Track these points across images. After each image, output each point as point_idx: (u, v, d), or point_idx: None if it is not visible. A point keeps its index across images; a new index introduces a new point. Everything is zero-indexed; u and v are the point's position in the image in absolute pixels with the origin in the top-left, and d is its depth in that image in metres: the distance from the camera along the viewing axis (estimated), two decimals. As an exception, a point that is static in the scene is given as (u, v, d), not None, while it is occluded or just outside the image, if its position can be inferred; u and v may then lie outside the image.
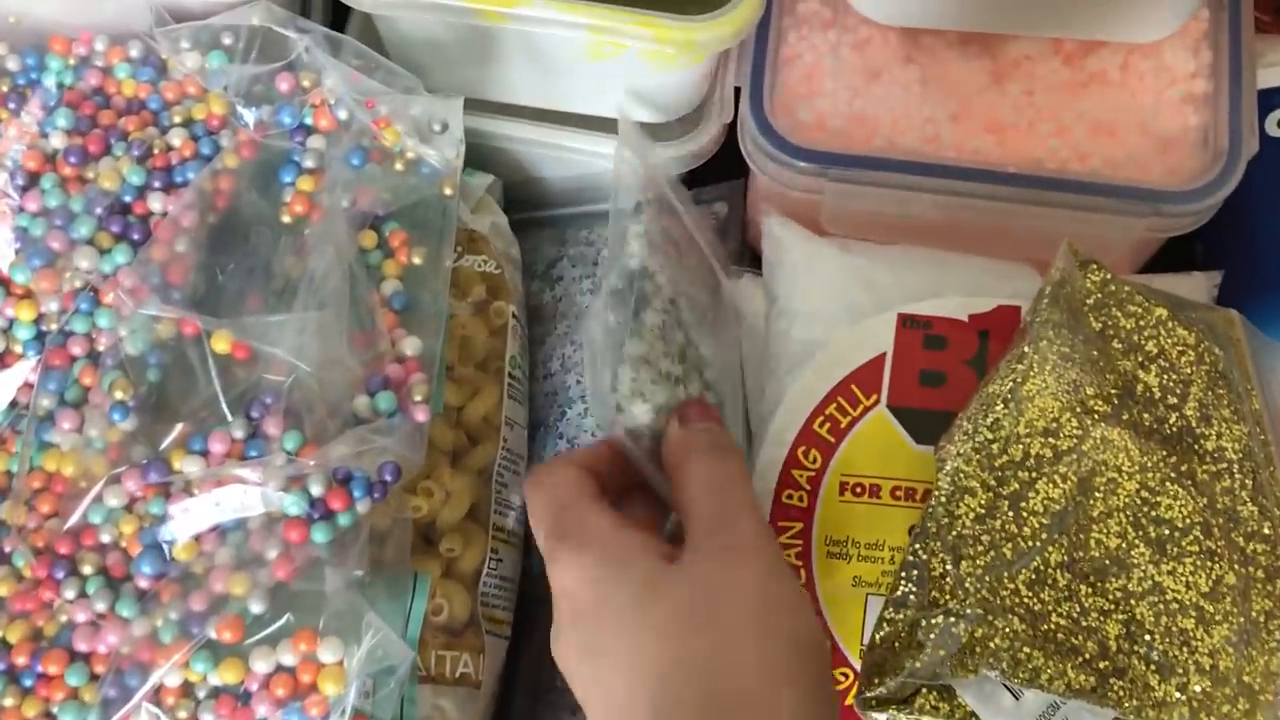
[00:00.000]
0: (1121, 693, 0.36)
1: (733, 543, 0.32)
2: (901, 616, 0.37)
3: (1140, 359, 0.41)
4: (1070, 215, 0.45)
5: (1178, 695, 0.36)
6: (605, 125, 0.50)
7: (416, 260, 0.43)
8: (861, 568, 0.41)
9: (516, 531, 0.48)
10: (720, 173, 0.54)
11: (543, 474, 0.35)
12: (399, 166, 0.43)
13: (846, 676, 0.40)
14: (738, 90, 0.48)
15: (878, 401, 0.43)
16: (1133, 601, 0.37)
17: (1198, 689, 0.36)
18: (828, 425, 0.43)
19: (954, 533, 0.37)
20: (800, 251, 0.46)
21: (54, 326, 0.42)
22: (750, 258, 0.54)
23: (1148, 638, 0.37)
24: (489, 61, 0.48)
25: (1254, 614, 0.38)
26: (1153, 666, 0.36)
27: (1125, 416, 0.40)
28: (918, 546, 0.38)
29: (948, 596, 0.36)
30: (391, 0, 0.44)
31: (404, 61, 0.47)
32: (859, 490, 0.42)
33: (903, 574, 0.37)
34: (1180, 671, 0.36)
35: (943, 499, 0.38)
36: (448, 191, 0.43)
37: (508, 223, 0.51)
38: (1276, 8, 0.53)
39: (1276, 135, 0.51)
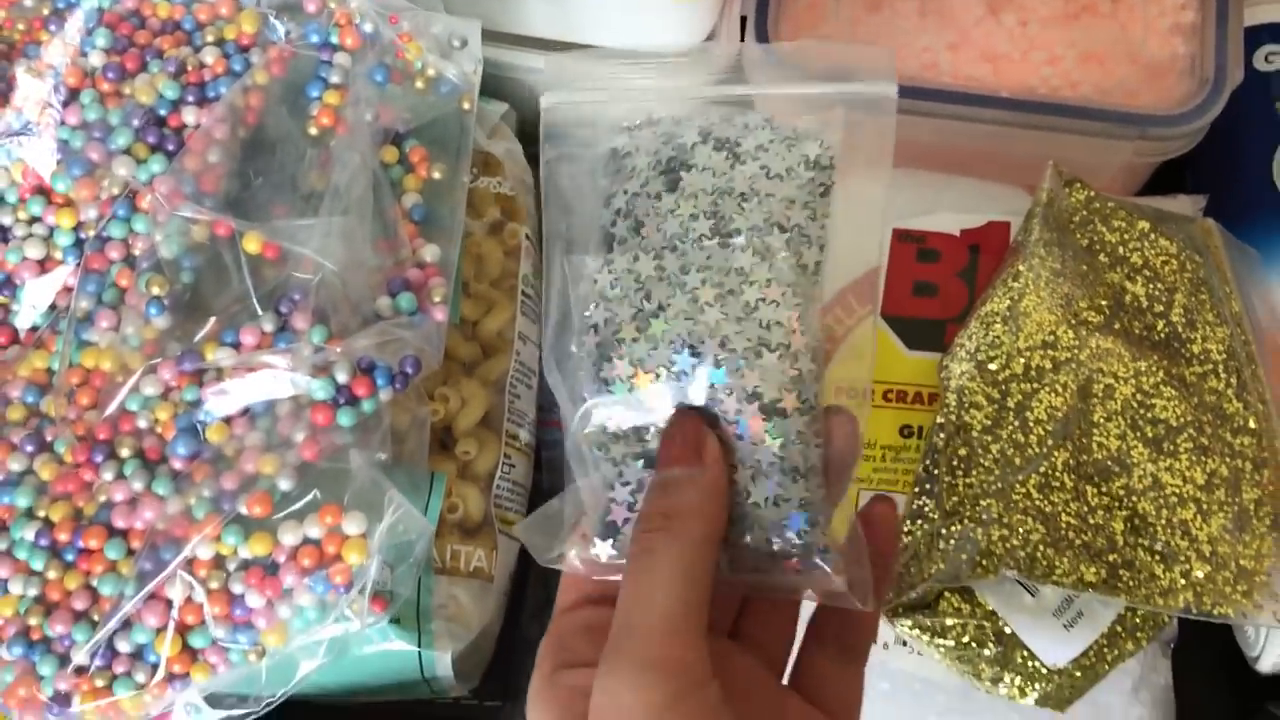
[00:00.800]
0: (1131, 583, 0.38)
1: (625, 655, 0.26)
2: (920, 529, 0.39)
3: (1127, 270, 0.43)
4: (1060, 138, 0.47)
5: (1182, 581, 0.38)
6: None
7: (436, 175, 0.45)
8: (855, 465, 0.43)
9: (530, 442, 0.50)
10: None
11: None
12: (419, 85, 0.46)
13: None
14: (744, 20, 0.50)
15: (872, 311, 0.45)
16: (1135, 498, 0.39)
17: (1199, 574, 0.38)
18: (824, 334, 0.45)
19: (964, 446, 0.40)
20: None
21: (92, 233, 0.44)
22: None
23: (1151, 530, 0.39)
24: (505, -10, 0.50)
25: (1245, 502, 0.40)
26: (1157, 556, 0.38)
27: (1117, 326, 0.42)
28: (928, 463, 0.40)
29: (964, 505, 0.39)
30: (413, -73, 0.46)
31: (425, -9, 0.50)
32: (853, 394, 0.44)
33: (916, 489, 0.39)
34: (1183, 559, 0.38)
35: (951, 416, 0.40)
36: (465, 106, 0.46)
37: (522, 151, 0.54)
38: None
39: (1264, 69, 0.53)
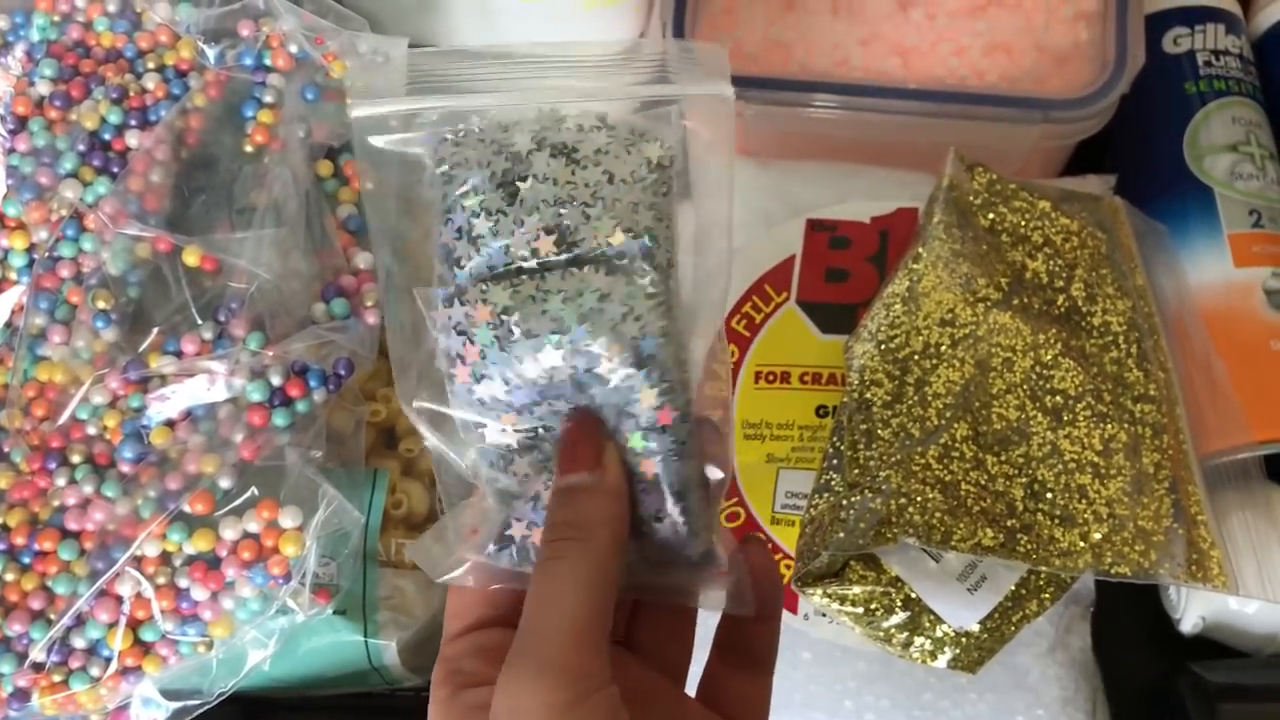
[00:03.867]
0: (1029, 546, 0.39)
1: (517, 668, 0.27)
2: (825, 501, 0.41)
3: (1028, 249, 0.45)
4: (968, 126, 0.49)
5: (1081, 543, 0.40)
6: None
7: (369, 186, 0.47)
8: (774, 445, 0.45)
9: (475, 439, 0.52)
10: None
11: None
12: (350, 101, 0.48)
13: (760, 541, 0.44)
14: (664, 26, 0.52)
15: (788, 298, 0.47)
16: (1034, 465, 0.41)
17: (1097, 536, 0.40)
18: (744, 322, 0.47)
19: (865, 422, 0.41)
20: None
21: (44, 253, 0.47)
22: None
23: (1050, 495, 0.40)
24: (434, 8, 0.52)
25: (1144, 466, 0.41)
26: (1056, 520, 0.40)
27: (1016, 302, 0.44)
28: (835, 439, 0.42)
29: (864, 477, 0.40)
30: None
31: (358, 12, 0.52)
32: (771, 378, 0.46)
33: (824, 465, 0.41)
34: (1081, 522, 0.40)
35: (854, 394, 0.42)
36: (393, 122, 0.48)
37: (461, 159, 0.56)
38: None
39: (1173, 51, 0.55)
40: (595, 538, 0.27)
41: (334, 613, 0.43)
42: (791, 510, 0.44)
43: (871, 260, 0.47)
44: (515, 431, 0.29)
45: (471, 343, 0.27)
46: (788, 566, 0.43)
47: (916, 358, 0.42)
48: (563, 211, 0.27)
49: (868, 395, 0.41)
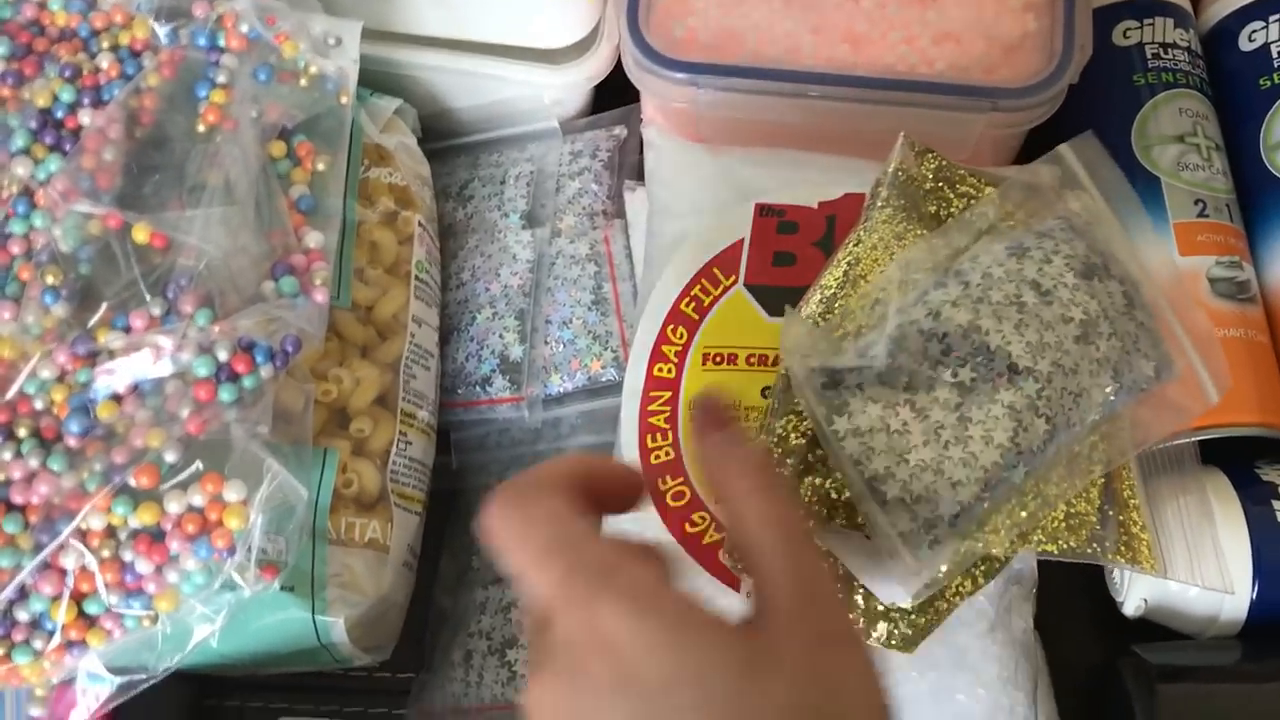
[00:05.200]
0: None
1: (829, 629, 0.29)
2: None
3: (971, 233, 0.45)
4: (917, 113, 0.49)
5: (1007, 522, 0.40)
6: (500, 51, 0.55)
7: (320, 167, 0.48)
8: (721, 427, 0.45)
9: (430, 422, 0.53)
10: (619, 100, 0.59)
11: (529, 498, 0.30)
12: (303, 82, 0.48)
13: (704, 520, 0.45)
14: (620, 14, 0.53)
15: (736, 281, 0.47)
16: None
17: (1023, 515, 0.40)
18: (693, 305, 0.47)
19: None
20: (674, 156, 0.51)
21: (-5, 231, 0.47)
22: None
23: None
24: (392, -9, 0.53)
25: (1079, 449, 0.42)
26: None
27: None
28: (769, 419, 0.42)
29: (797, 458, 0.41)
30: (299, -64, 0.49)
31: (316, -6, 0.52)
32: (719, 359, 0.46)
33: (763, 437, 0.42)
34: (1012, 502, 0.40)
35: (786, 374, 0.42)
36: (343, 100, 0.48)
37: (417, 144, 0.56)
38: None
39: (1122, 44, 0.56)
40: None
41: (281, 588, 0.43)
42: (735, 489, 0.44)
43: (818, 245, 0.47)
44: None
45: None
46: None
47: (850, 339, 0.42)
48: None
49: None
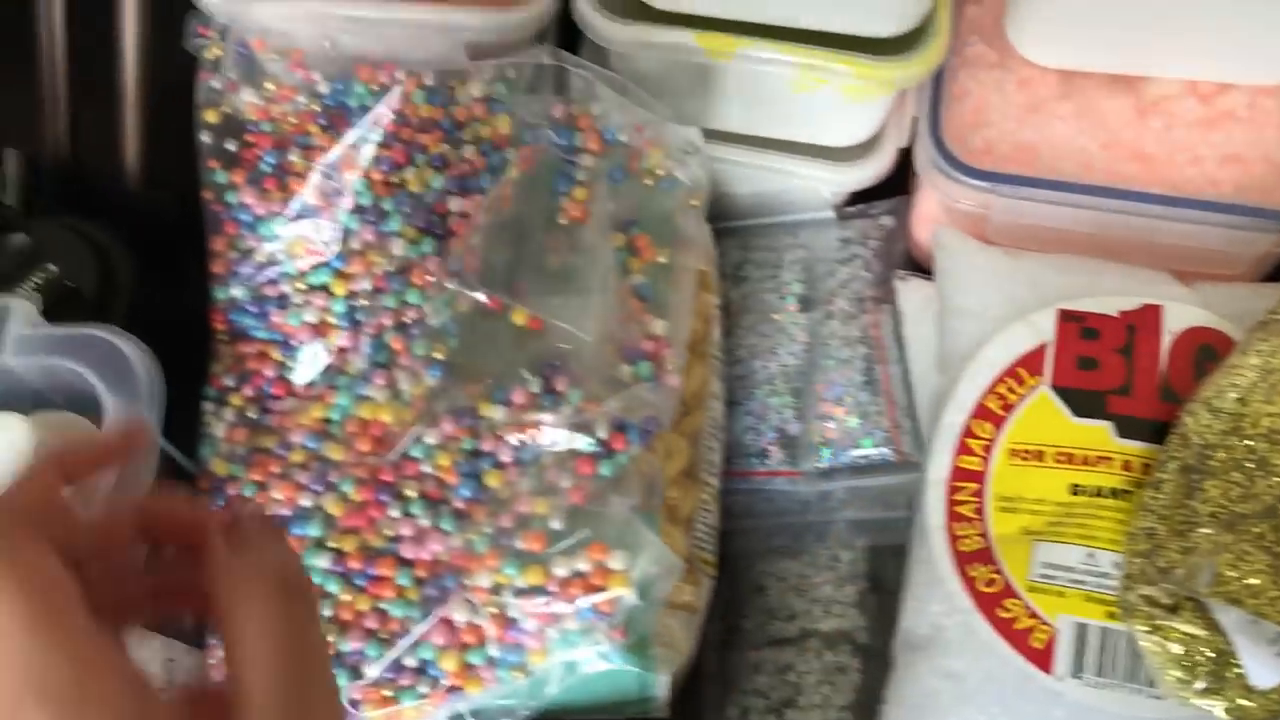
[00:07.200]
0: None
1: None
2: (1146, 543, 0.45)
3: None
4: (1203, 230, 0.53)
5: None
6: (790, 148, 0.60)
7: (660, 259, 0.52)
8: (1028, 519, 0.49)
9: (718, 489, 0.57)
10: (884, 192, 0.63)
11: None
12: (648, 182, 0.53)
13: (1016, 605, 0.48)
14: (915, 120, 0.57)
15: (1041, 381, 0.51)
16: None
17: None
18: (999, 401, 0.51)
19: (1199, 479, 0.45)
20: (972, 257, 0.55)
21: (364, 303, 0.51)
22: (908, 264, 0.63)
23: None
24: (707, 93, 0.57)
25: None
26: None
27: None
28: (1153, 492, 0.46)
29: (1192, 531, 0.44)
30: (636, 39, 0.53)
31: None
32: (1026, 455, 0.50)
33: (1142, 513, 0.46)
34: None
35: (1179, 456, 0.46)
36: (694, 203, 0.53)
37: (710, 229, 0.60)
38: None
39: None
40: None
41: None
42: (1047, 580, 0.48)
43: (1120, 352, 0.51)
44: None
45: None
46: (1043, 632, 0.47)
47: (1261, 439, 0.45)
48: None
49: (1203, 461, 0.45)
